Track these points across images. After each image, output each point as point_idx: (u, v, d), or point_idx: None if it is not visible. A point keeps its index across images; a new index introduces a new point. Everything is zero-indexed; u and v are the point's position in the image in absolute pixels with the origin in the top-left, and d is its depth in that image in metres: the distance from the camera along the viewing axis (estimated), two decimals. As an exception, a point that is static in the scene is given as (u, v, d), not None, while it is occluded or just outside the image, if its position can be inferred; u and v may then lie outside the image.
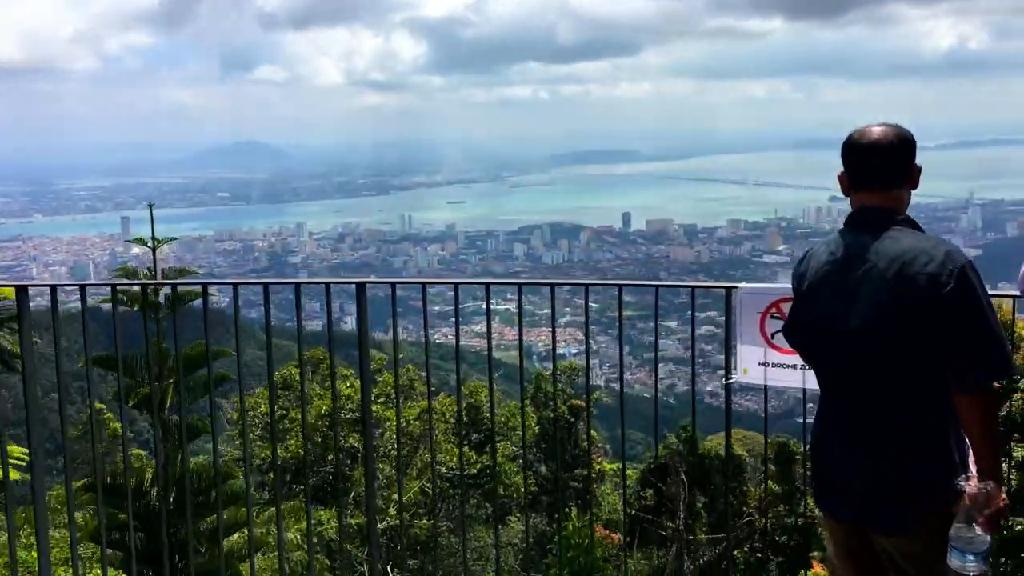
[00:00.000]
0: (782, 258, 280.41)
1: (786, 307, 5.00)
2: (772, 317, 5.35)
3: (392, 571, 15.38)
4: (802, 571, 16.32)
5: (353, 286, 6.41)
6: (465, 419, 20.00)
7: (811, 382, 4.88)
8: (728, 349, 5.75)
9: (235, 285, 5.59)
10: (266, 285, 5.67)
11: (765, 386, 5.65)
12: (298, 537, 10.22)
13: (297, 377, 20.03)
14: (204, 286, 5.42)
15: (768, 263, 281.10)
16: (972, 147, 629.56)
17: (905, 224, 3.52)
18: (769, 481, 30.81)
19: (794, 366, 5.34)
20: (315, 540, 13.29)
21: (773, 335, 5.37)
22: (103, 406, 18.29)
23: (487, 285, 6.23)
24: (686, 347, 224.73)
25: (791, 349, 4.51)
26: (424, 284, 6.67)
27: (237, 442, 19.36)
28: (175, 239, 8.32)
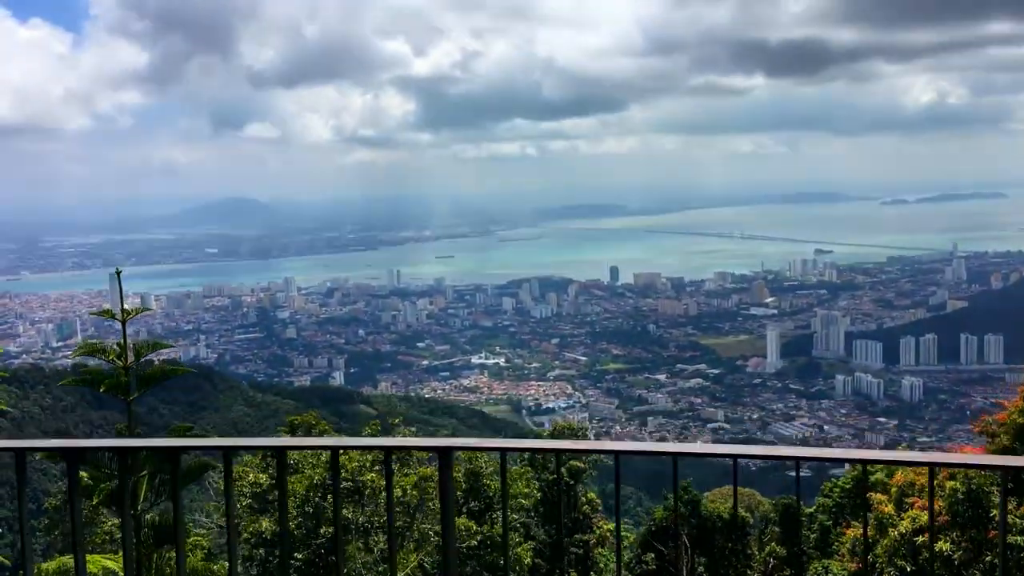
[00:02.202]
0: (769, 311, 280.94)
1: None
2: None
3: None
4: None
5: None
6: (464, 486, 19.58)
7: None
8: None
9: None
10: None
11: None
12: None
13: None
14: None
15: (756, 315, 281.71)
16: (954, 200, 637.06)
17: None
18: (774, 543, 30.20)
19: None
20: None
21: None
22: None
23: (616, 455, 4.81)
24: (675, 400, 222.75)
25: None
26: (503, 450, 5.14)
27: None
28: (148, 309, 7.78)
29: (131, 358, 6.41)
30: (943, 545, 13.03)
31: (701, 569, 31.43)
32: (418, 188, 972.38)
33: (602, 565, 30.15)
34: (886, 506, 15.29)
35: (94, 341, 6.67)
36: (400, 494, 17.24)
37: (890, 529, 14.48)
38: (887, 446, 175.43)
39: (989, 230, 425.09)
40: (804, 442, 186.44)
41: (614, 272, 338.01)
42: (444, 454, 4.50)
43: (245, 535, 17.09)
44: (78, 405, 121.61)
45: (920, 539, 13.62)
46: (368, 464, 17.58)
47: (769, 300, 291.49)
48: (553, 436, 28.70)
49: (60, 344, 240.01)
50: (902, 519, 14.21)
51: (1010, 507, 12.70)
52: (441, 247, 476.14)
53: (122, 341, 6.37)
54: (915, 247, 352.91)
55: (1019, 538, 12.03)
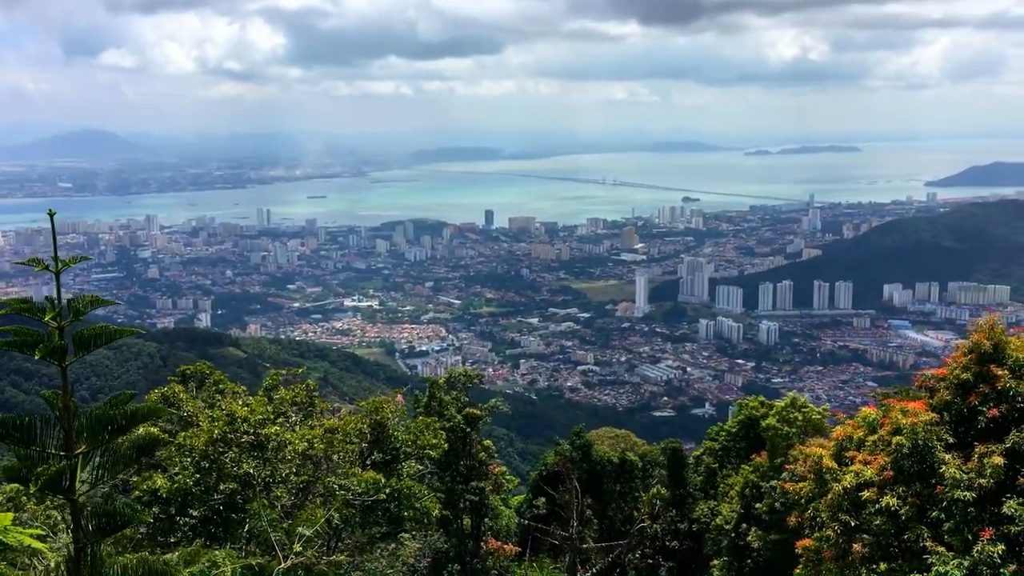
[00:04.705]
0: (638, 256, 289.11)
1: None
2: None
3: None
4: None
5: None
6: (370, 437, 18.97)
7: None
8: None
9: None
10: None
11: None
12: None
13: (180, 394, 18.45)
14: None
15: (625, 261, 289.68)
16: (812, 152, 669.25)
17: None
18: (659, 486, 30.97)
19: None
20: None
21: None
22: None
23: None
24: (547, 343, 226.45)
25: None
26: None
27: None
28: (87, 258, 6.66)
29: (66, 316, 5.44)
30: (889, 500, 13.31)
31: (589, 513, 32.02)
32: (288, 125, 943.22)
33: (498, 512, 30.28)
34: (826, 460, 15.39)
35: (23, 298, 5.63)
36: (307, 447, 16.57)
37: (832, 484, 14.60)
38: (744, 387, 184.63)
39: (843, 182, 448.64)
40: (668, 383, 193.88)
41: (489, 216, 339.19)
42: None
43: (136, 493, 16.03)
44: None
45: (865, 494, 13.78)
46: (271, 417, 16.79)
47: (639, 246, 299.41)
48: (449, 382, 28.34)
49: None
50: (844, 474, 14.34)
51: (956, 462, 13.08)
52: (313, 187, 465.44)
53: (54, 296, 5.41)
54: (776, 196, 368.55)
55: (966, 493, 12.42)
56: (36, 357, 5.38)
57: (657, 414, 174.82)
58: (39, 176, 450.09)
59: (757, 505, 25.09)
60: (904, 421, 13.45)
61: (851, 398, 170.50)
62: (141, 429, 5.91)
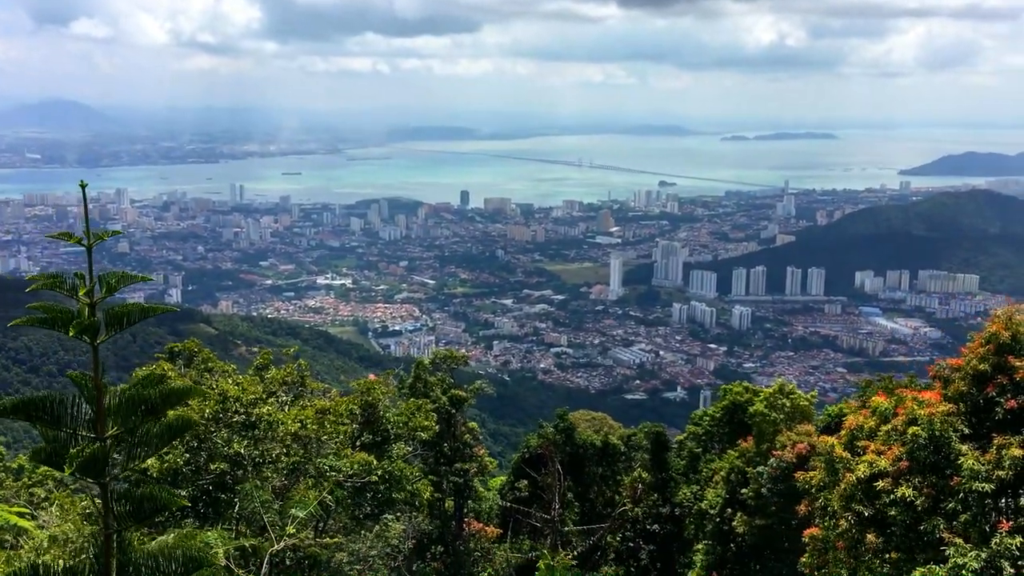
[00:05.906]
0: (614, 240, 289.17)
1: None
2: None
3: None
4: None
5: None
6: (360, 419, 18.53)
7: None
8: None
9: None
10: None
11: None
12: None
13: (169, 372, 17.86)
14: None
15: (600, 244, 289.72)
16: (787, 139, 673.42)
17: None
18: (641, 470, 30.80)
19: None
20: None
21: None
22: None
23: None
24: (520, 324, 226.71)
25: None
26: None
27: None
28: (117, 232, 6.30)
29: (99, 292, 5.09)
30: (905, 491, 13.08)
31: (571, 495, 31.87)
32: (263, 100, 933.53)
33: (481, 494, 30.03)
34: (839, 449, 15.10)
35: (54, 274, 5.25)
36: (298, 427, 16.13)
37: (845, 473, 14.32)
38: (716, 371, 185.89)
39: (817, 169, 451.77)
40: (640, 366, 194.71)
41: (464, 196, 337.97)
42: None
43: (126, 472, 15.45)
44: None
45: (879, 484, 13.53)
46: (262, 397, 16.31)
47: (614, 229, 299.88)
48: (435, 363, 27.99)
49: None
50: (857, 463, 14.05)
51: (975, 454, 12.90)
52: (287, 163, 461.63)
53: (84, 272, 5.05)
54: (751, 182, 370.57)
55: (984, 485, 12.24)
56: (70, 335, 5.02)
57: (629, 397, 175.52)
58: (6, 146, 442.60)
59: (743, 490, 25.00)
60: (920, 412, 13.22)
61: (821, 384, 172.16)
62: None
